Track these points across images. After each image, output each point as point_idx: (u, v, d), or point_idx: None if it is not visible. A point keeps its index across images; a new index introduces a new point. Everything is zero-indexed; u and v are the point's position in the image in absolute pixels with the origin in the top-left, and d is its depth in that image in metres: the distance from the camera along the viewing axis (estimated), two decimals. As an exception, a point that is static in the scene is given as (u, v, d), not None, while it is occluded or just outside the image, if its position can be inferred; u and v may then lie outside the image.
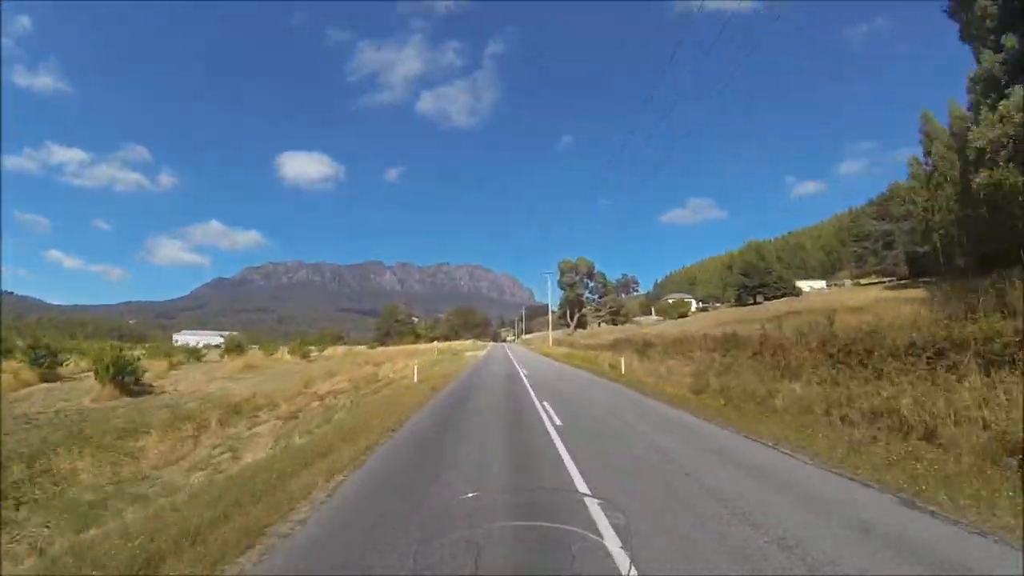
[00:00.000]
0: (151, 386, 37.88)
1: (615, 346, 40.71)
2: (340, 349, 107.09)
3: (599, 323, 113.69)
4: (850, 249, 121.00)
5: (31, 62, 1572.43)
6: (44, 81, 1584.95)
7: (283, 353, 74.79)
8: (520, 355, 62.54)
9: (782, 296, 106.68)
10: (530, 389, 23.11)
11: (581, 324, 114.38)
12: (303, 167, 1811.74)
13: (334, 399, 23.63)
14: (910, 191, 79.39)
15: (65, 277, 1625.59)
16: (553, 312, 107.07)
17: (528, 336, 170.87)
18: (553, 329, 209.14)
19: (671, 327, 77.91)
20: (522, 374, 32.49)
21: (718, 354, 20.96)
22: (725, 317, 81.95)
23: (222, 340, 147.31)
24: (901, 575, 4.90)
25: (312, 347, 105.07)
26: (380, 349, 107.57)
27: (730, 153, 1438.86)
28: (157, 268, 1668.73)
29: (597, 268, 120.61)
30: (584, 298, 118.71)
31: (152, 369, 48.88)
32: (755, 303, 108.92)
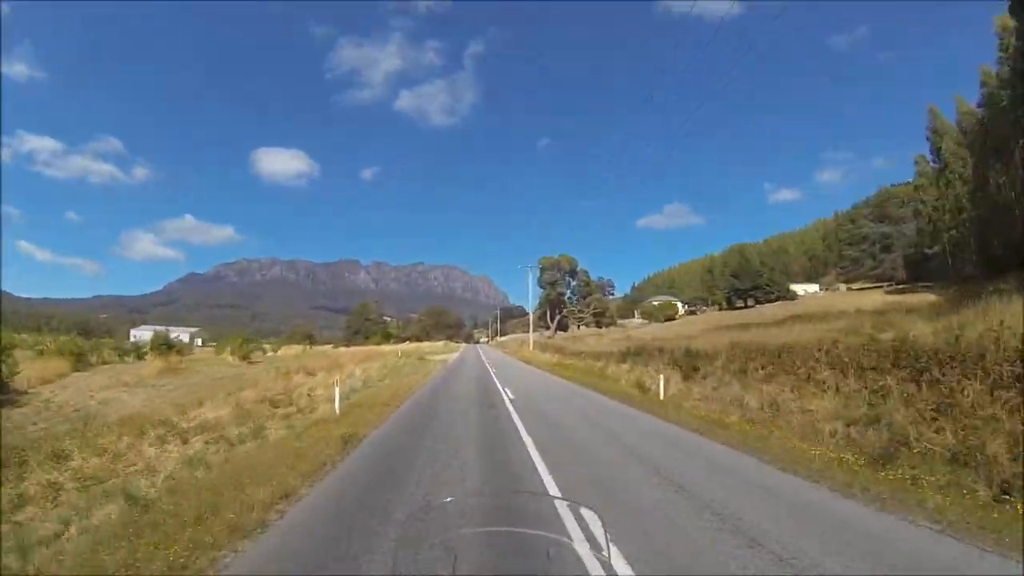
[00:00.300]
0: (20, 392, 30.52)
1: (628, 355, 31.26)
2: (294, 349, 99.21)
3: (580, 325, 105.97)
4: (841, 253, 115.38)
5: (6, 46, 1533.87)
6: (18, 68, 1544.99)
7: (228, 353, 67.10)
8: (496, 361, 54.33)
9: (776, 299, 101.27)
10: (532, 451, 11.08)
11: (562, 326, 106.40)
12: (279, 163, 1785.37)
13: (160, 448, 15.10)
14: (918, 190, 74.36)
15: (36, 269, 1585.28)
16: (531, 313, 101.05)
17: (503, 338, 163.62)
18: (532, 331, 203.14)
19: (660, 330, 71.41)
20: (505, 397, 22.55)
21: (852, 379, 11.90)
22: (720, 320, 75.28)
23: (185, 336, 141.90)
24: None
25: (267, 346, 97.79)
26: (343, 349, 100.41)
27: (708, 159, 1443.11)
28: (130, 262, 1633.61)
29: (580, 266, 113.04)
30: (565, 298, 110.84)
31: (51, 369, 41.78)
32: (746, 307, 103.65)
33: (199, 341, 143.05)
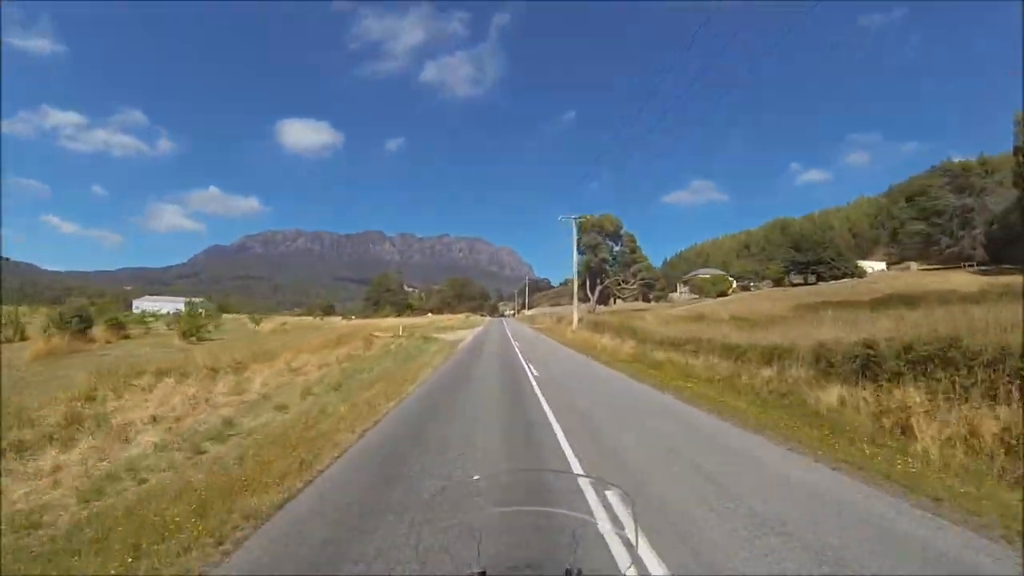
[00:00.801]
0: None
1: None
2: (290, 321, 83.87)
3: (618, 299, 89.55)
4: (897, 230, 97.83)
5: (26, 22, 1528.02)
6: (40, 44, 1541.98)
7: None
8: (531, 344, 38.02)
9: (842, 276, 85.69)
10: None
11: (602, 299, 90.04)
12: (304, 134, 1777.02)
13: None
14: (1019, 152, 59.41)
15: (63, 242, 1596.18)
16: (573, 278, 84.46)
17: (531, 311, 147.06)
18: (560, 304, 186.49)
19: (724, 308, 55.65)
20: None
21: None
22: (796, 297, 60.17)
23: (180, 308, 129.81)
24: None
25: (252, 318, 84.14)
26: (347, 323, 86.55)
27: (735, 137, 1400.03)
28: (155, 234, 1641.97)
29: (624, 229, 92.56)
30: (607, 266, 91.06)
31: None
32: (806, 283, 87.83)
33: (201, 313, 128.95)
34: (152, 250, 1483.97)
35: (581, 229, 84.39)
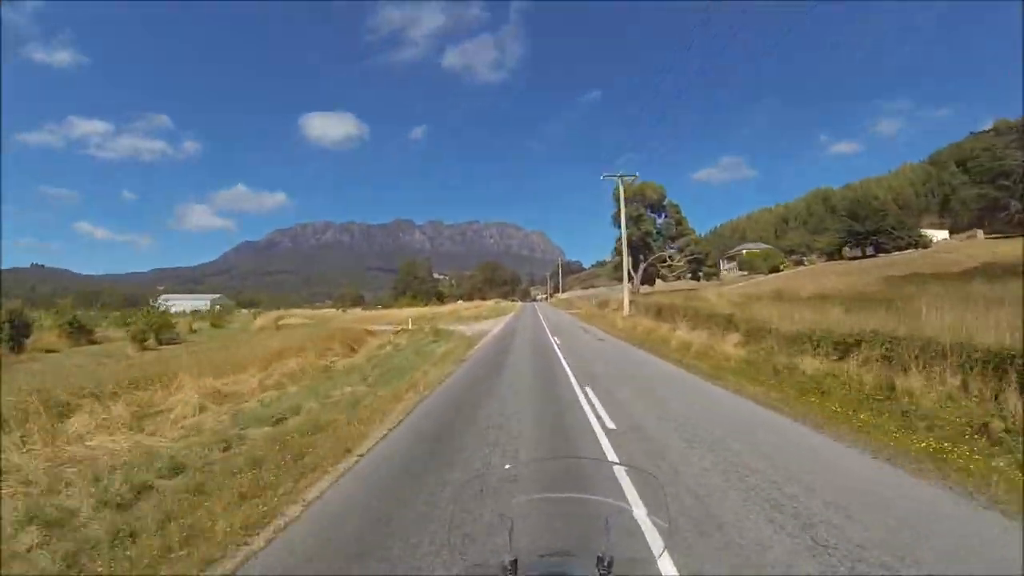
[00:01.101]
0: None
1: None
2: (310, 314, 74.96)
3: (661, 278, 78.55)
4: (970, 193, 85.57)
5: (46, 38, 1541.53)
6: (61, 56, 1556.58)
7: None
8: (576, 339, 28.12)
9: (906, 247, 74.74)
10: None
11: (647, 278, 77.68)
12: (328, 127, 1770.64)
13: None
14: None
15: (96, 248, 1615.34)
16: (603, 264, 75.30)
17: (564, 295, 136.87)
18: (593, 287, 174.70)
19: (791, 284, 44.86)
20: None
21: None
22: (869, 272, 49.51)
23: (206, 305, 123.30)
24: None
25: (243, 311, 75.96)
26: (355, 315, 77.83)
27: (762, 111, 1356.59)
28: (186, 234, 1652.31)
29: (669, 198, 79.62)
30: (651, 240, 76.97)
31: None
32: (864, 255, 77.14)
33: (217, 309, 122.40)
34: (184, 250, 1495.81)
35: (617, 197, 72.31)
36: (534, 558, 2.12)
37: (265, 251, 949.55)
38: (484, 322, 48.04)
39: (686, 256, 76.44)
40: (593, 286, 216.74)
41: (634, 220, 70.58)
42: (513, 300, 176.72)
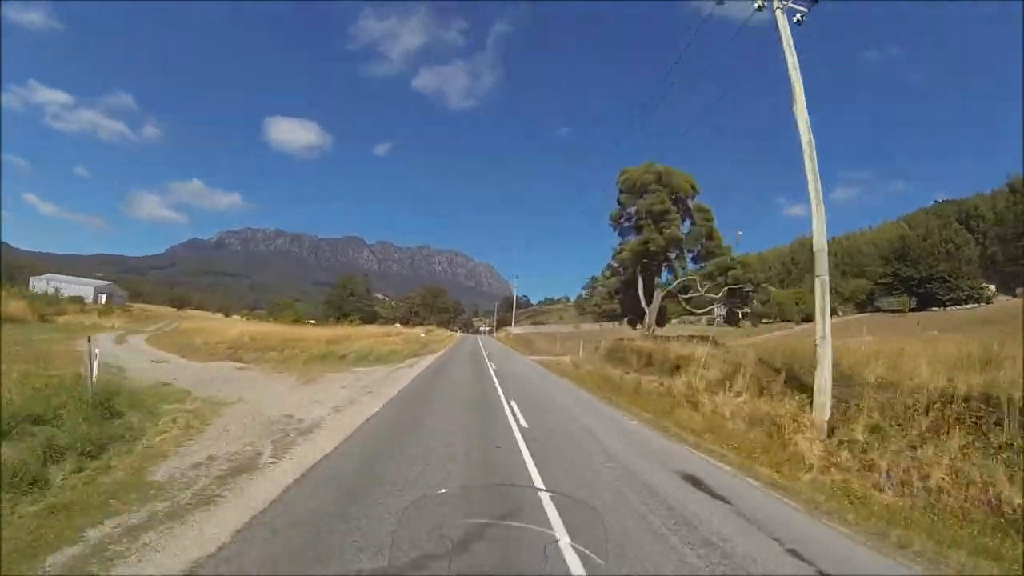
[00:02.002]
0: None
1: None
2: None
3: (689, 312, 57.55)
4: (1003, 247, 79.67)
5: None
6: (33, 17, 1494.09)
7: None
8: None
9: (967, 300, 66.67)
10: None
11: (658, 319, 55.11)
12: (291, 133, 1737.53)
13: None
14: None
15: (41, 223, 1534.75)
16: (542, 304, 61.02)
17: (516, 330, 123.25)
18: (542, 323, 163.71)
19: (859, 344, 34.63)
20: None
21: None
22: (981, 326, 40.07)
23: (83, 290, 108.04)
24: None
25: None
26: (268, 327, 65.42)
27: (720, 168, 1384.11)
28: (134, 222, 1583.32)
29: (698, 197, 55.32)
30: (672, 258, 54.28)
31: None
32: (920, 307, 68.60)
33: (103, 298, 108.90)
34: (130, 239, 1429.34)
35: (622, 187, 54.45)
36: None
37: (213, 251, 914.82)
38: (387, 365, 31.75)
39: (719, 284, 51.88)
40: (541, 322, 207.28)
41: (654, 219, 51.11)
42: (453, 329, 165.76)
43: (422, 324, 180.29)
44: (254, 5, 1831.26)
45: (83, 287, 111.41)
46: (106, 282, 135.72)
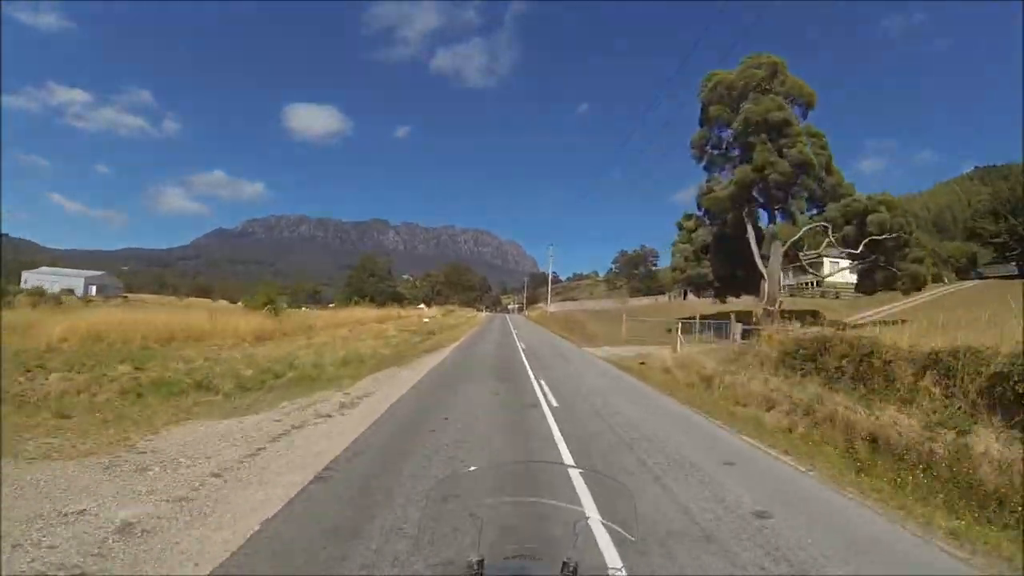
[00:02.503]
0: None
1: None
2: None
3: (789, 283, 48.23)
4: None
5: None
6: (47, 20, 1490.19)
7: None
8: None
9: None
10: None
11: (743, 285, 39.78)
12: (312, 119, 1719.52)
13: None
14: None
15: (66, 221, 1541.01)
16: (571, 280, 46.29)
17: (552, 308, 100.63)
18: (574, 299, 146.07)
19: None
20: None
21: None
22: None
23: (74, 282, 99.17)
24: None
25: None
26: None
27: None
28: (159, 215, 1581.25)
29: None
30: (792, 207, 36.01)
31: None
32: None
33: (93, 290, 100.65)
34: (155, 231, 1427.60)
35: (718, 97, 36.34)
36: (500, 559, 2.10)
37: (238, 239, 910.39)
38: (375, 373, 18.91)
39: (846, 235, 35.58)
40: (573, 298, 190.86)
41: (770, 133, 33.91)
42: (478, 308, 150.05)
43: (446, 303, 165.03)
44: None
45: (74, 279, 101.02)
46: (98, 272, 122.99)
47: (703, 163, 37.38)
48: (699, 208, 38.04)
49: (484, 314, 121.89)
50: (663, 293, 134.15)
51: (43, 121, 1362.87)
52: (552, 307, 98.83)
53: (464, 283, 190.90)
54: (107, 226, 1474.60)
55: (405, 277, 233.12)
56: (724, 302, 41.18)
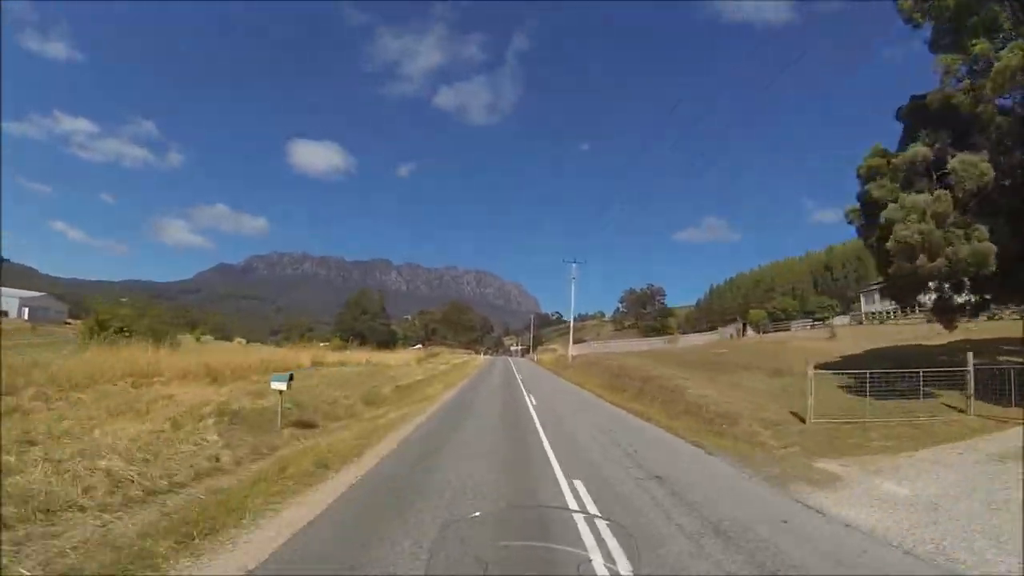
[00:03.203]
0: None
1: None
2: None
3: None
4: None
5: (43, 28, 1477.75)
6: (55, 48, 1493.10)
7: None
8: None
9: None
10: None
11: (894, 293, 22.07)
12: (315, 156, 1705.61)
13: None
14: None
15: (69, 250, 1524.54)
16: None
17: (574, 351, 76.76)
18: (583, 340, 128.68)
19: None
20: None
21: None
22: None
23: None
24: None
25: None
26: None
27: (746, 175, 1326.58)
28: (161, 247, 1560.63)
29: None
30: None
31: None
32: None
33: (26, 312, 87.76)
34: (158, 264, 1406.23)
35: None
36: None
37: (241, 275, 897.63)
38: None
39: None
40: (583, 340, 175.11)
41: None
42: (478, 351, 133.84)
43: (443, 343, 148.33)
44: (271, 30, 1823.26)
45: (8, 299, 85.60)
46: (37, 294, 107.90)
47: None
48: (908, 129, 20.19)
49: (484, 358, 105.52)
50: (670, 333, 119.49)
51: (48, 149, 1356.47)
52: (575, 350, 73.32)
53: (464, 323, 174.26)
54: (110, 256, 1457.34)
55: (406, 317, 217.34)
56: (951, 326, 22.39)
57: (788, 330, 73.03)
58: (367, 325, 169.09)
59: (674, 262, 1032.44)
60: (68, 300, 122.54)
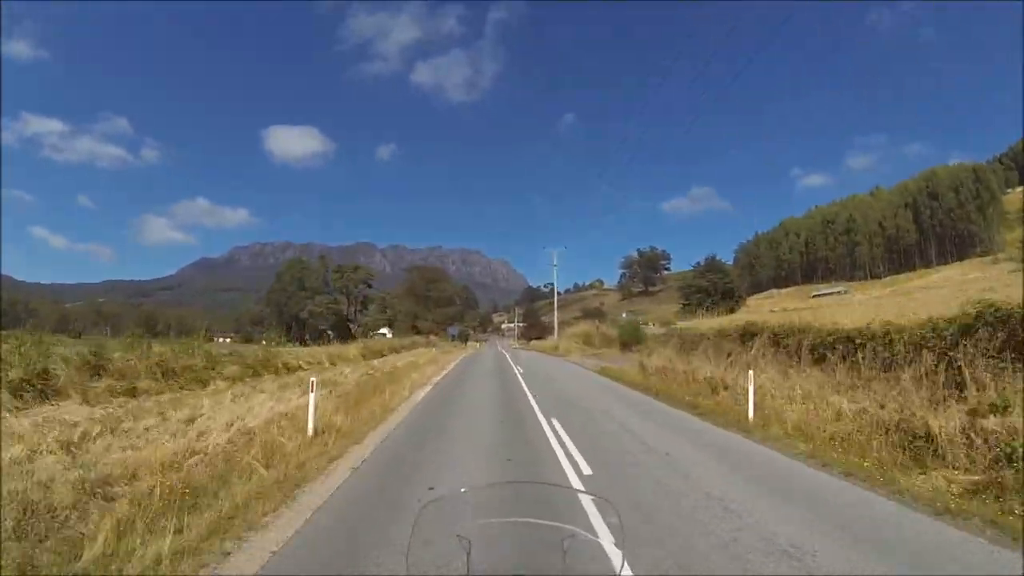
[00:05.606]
0: None
1: None
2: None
3: None
4: None
5: (6, 26, 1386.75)
6: (19, 48, 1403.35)
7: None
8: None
9: None
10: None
11: None
12: (293, 142, 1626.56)
13: None
14: None
15: (52, 256, 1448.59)
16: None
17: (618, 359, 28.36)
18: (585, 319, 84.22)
19: None
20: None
21: None
22: None
23: None
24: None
25: None
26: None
27: (733, 142, 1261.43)
28: (144, 247, 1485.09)
29: None
30: None
31: None
32: None
33: None
34: (141, 263, 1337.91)
35: None
36: None
37: (224, 268, 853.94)
38: None
39: None
40: (596, 311, 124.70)
41: None
42: (455, 345, 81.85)
43: (413, 330, 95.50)
44: (239, 15, 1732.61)
45: None
46: None
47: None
48: None
49: (465, 355, 53.49)
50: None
51: (20, 154, 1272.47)
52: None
53: (439, 296, 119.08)
54: (93, 259, 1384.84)
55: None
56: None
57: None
58: (301, 305, 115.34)
59: (665, 232, 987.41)
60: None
